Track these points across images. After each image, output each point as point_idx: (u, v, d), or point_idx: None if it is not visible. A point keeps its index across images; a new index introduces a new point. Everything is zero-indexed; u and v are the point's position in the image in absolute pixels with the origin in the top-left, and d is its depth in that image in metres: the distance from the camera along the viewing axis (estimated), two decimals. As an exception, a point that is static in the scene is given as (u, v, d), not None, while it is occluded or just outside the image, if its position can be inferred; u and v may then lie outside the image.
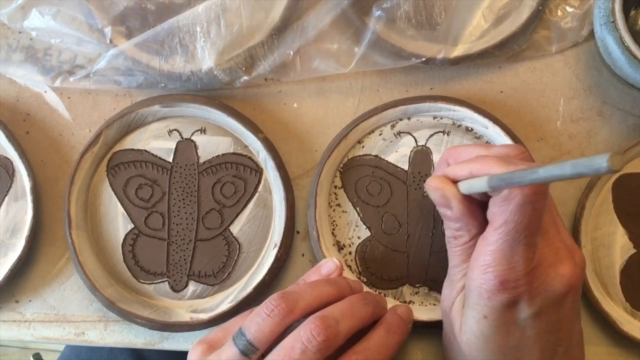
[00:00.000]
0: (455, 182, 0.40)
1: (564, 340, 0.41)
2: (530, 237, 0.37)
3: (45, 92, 0.53)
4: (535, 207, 0.36)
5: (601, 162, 0.26)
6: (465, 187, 0.39)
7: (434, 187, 0.41)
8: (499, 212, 0.36)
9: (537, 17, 0.50)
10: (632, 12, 0.49)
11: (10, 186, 0.52)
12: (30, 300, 0.52)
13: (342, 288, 0.43)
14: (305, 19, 0.50)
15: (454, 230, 0.41)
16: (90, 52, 0.52)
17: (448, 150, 0.43)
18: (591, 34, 0.50)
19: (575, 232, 0.49)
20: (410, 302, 0.50)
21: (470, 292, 0.39)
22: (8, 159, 0.52)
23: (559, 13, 0.50)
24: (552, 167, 0.30)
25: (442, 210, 0.41)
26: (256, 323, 0.39)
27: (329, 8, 0.49)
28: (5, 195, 0.51)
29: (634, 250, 0.49)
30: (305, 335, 0.38)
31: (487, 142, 0.50)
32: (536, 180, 0.32)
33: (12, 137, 0.51)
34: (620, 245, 0.49)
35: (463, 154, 0.42)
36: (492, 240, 0.37)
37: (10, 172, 0.52)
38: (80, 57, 0.52)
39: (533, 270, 0.38)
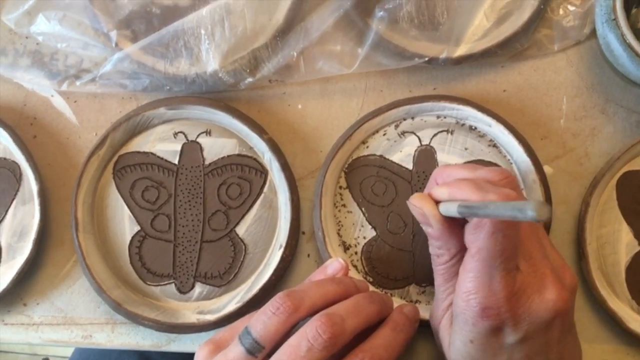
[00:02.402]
0: (438, 202, 0.41)
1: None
2: (507, 262, 0.37)
3: (52, 96, 0.54)
4: (507, 234, 0.36)
5: (529, 210, 0.28)
6: (443, 209, 0.39)
7: (414, 205, 0.41)
8: (473, 240, 0.37)
9: (539, 16, 0.50)
10: (634, 11, 0.49)
11: (18, 190, 0.52)
12: (38, 303, 0.52)
13: (347, 287, 0.43)
14: (309, 21, 0.50)
15: (436, 249, 0.42)
16: (96, 56, 0.52)
17: (438, 170, 0.43)
18: (593, 32, 0.50)
19: (580, 230, 0.49)
20: (416, 301, 0.50)
21: (457, 317, 0.40)
22: (15, 162, 0.52)
23: (561, 12, 0.51)
24: (496, 205, 0.32)
25: (424, 228, 0.42)
26: (262, 321, 0.40)
27: (332, 10, 0.50)
28: (13, 199, 0.52)
29: (639, 248, 0.49)
30: (311, 333, 0.38)
31: (490, 141, 0.50)
32: (484, 215, 0.33)
33: (19, 141, 0.51)
34: (625, 243, 0.49)
35: (451, 174, 0.42)
36: (470, 267, 0.38)
37: (18, 176, 0.52)
38: (86, 61, 0.53)
39: (517, 296, 0.38)
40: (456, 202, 0.37)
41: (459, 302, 0.39)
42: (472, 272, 0.37)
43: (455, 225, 0.40)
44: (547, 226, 0.49)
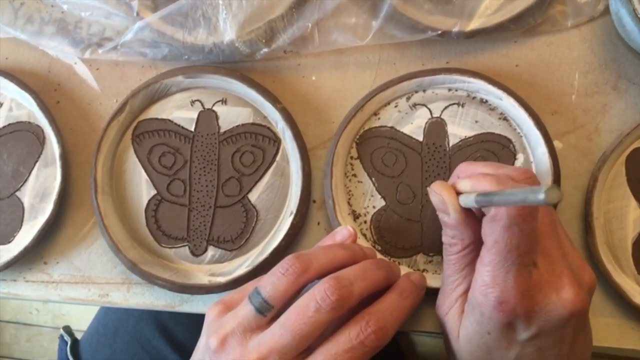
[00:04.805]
0: (458, 194, 0.41)
1: (565, 355, 0.41)
2: (523, 257, 0.37)
3: (75, 63, 0.56)
4: (522, 229, 0.36)
5: (539, 193, 0.29)
6: (463, 200, 0.40)
7: (435, 191, 0.42)
8: (489, 233, 0.38)
9: (553, -8, 0.51)
10: (649, -13, 0.49)
11: (41, 153, 0.54)
12: (57, 262, 0.54)
13: (355, 253, 0.44)
14: (324, -7, 0.51)
15: (450, 238, 0.42)
16: (118, 25, 0.54)
17: (461, 165, 0.44)
18: (607, 9, 0.51)
19: (588, 205, 0.49)
20: (424, 270, 0.51)
21: (474, 309, 0.40)
22: (39, 126, 0.54)
23: (575, -12, 0.51)
24: (509, 191, 0.33)
25: (440, 216, 0.42)
26: (271, 282, 0.41)
27: (348, -18, 0.51)
28: (36, 161, 0.54)
29: (646, 223, 0.50)
30: (319, 294, 0.39)
31: (501, 114, 0.51)
32: (498, 202, 0.34)
33: (43, 106, 0.53)
34: (632, 218, 0.50)
35: (474, 170, 0.43)
36: (487, 261, 0.38)
37: (41, 140, 0.54)
38: (108, 29, 0.54)
39: (533, 293, 0.38)
40: (473, 193, 0.38)
41: (477, 295, 0.39)
42: (489, 266, 0.38)
43: (471, 217, 0.41)
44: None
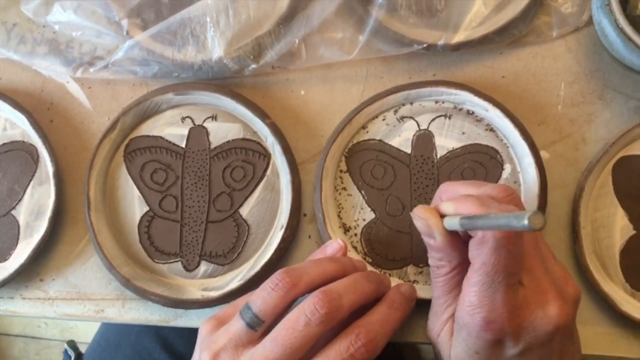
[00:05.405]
0: (443, 216, 0.41)
1: None
2: (510, 277, 0.38)
3: (68, 82, 0.56)
4: (509, 250, 0.37)
5: (523, 219, 0.29)
6: (447, 223, 0.40)
7: (419, 216, 0.42)
8: (476, 255, 0.38)
9: (538, 3, 0.51)
10: (633, -4, 0.49)
11: (35, 171, 0.55)
12: (53, 279, 0.55)
13: (345, 266, 0.45)
14: (311, 8, 0.52)
15: (437, 260, 0.42)
16: (108, 44, 0.55)
17: (443, 186, 0.44)
18: (591, 19, 0.51)
19: (575, 214, 0.49)
20: (414, 281, 0.51)
21: (461, 329, 0.41)
22: (33, 145, 0.55)
23: (559, -1, 0.51)
24: (494, 216, 0.33)
25: (426, 240, 0.42)
26: (262, 297, 0.41)
27: (334, -3, 0.51)
28: (31, 180, 0.55)
29: (633, 232, 0.50)
30: (309, 308, 0.40)
31: (487, 125, 0.51)
32: (483, 226, 0.35)
33: (37, 125, 0.54)
34: (620, 227, 0.50)
35: (456, 190, 0.43)
36: (474, 282, 0.38)
37: (35, 158, 0.55)
38: (99, 48, 0.55)
39: (519, 311, 0.39)
40: (457, 216, 0.38)
41: (463, 315, 0.39)
42: (475, 287, 0.38)
43: (457, 239, 0.41)
44: (542, 211, 0.49)
